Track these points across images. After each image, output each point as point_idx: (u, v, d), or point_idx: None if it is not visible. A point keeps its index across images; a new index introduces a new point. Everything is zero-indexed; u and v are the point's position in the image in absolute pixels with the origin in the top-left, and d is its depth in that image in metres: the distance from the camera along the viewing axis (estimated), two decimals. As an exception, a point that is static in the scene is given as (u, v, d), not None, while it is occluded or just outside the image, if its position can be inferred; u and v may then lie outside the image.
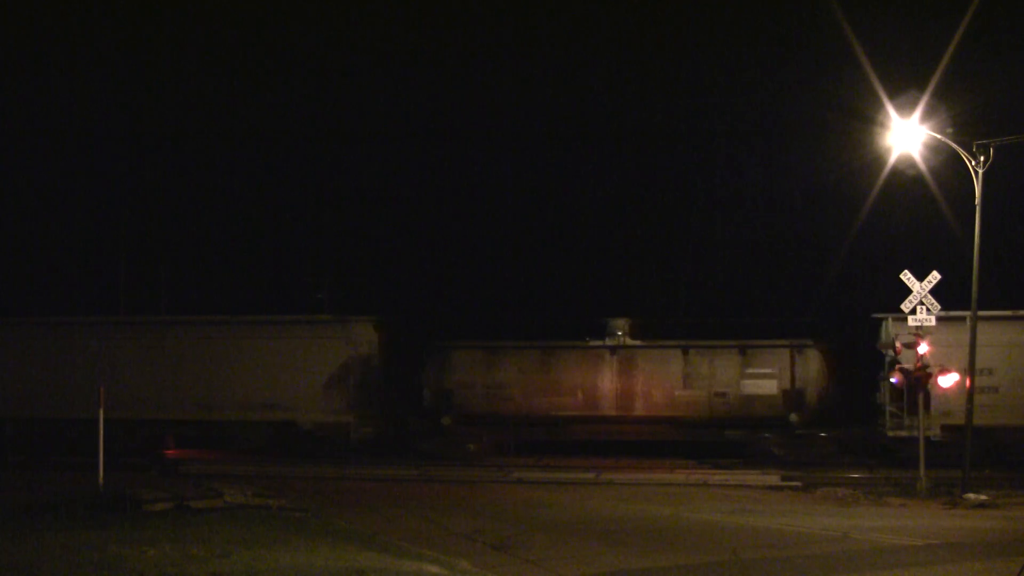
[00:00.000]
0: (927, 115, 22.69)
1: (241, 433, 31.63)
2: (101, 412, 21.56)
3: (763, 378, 30.43)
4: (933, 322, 23.61)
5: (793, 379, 30.38)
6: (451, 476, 27.23)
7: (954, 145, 22.43)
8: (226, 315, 33.23)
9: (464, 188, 49.95)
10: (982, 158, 22.04)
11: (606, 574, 14.01)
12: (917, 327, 23.43)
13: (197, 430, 32.37)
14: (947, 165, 23.91)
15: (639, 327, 32.36)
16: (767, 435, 30.13)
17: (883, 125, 23.20)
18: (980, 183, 22.19)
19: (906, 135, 22.98)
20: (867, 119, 24.52)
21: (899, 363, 24.50)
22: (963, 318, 24.62)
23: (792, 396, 30.30)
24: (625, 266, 44.10)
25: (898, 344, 24.39)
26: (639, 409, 31.04)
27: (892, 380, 24.19)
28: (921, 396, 23.86)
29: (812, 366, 30.37)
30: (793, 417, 29.95)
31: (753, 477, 26.35)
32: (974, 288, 22.71)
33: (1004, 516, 19.87)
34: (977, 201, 22.37)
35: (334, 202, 48.18)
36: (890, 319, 27.74)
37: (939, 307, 23.50)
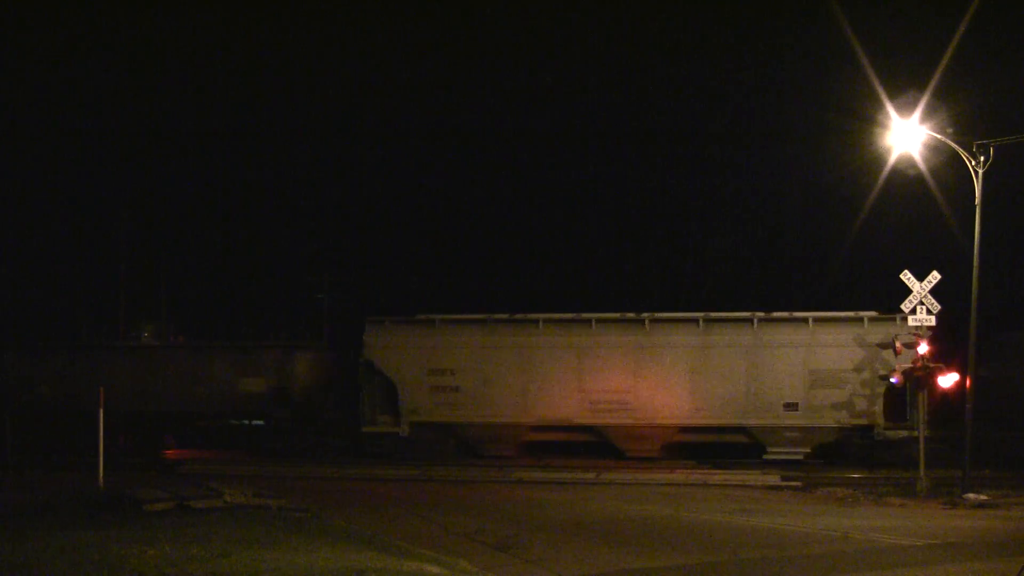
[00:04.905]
0: (927, 115, 22.71)
1: None
2: (101, 412, 21.56)
3: (255, 376, 33.38)
4: (933, 322, 23.59)
5: (281, 378, 33.33)
6: (451, 476, 27.30)
7: (954, 145, 22.42)
8: None
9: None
10: (982, 158, 22.04)
11: (606, 574, 13.99)
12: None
13: None
14: (947, 165, 23.92)
15: (176, 329, 36.41)
16: (264, 428, 33.47)
17: (883, 125, 23.21)
18: (980, 183, 22.19)
19: (906, 135, 22.98)
20: (867, 119, 24.56)
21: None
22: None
23: (280, 393, 33.25)
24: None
25: (898, 344, 24.38)
26: (158, 404, 33.67)
27: (892, 380, 24.10)
28: (920, 396, 23.85)
29: (299, 367, 33.37)
30: (280, 412, 32.99)
31: (753, 477, 26.39)
32: (974, 288, 22.67)
33: (1004, 516, 19.86)
34: (977, 201, 22.35)
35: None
36: (367, 322, 30.83)
37: (939, 307, 23.48)
